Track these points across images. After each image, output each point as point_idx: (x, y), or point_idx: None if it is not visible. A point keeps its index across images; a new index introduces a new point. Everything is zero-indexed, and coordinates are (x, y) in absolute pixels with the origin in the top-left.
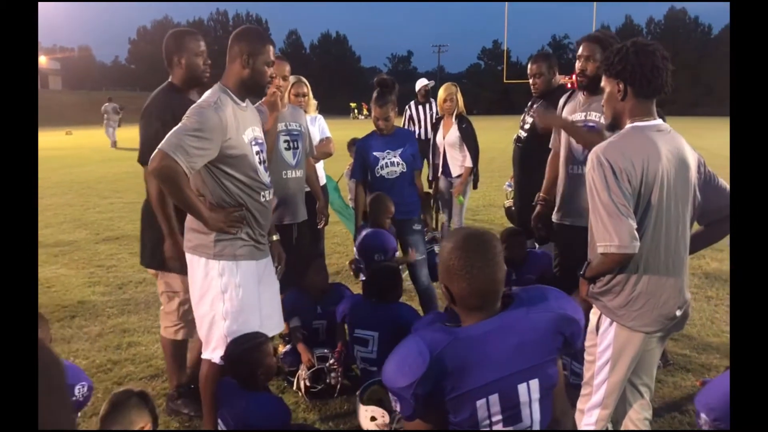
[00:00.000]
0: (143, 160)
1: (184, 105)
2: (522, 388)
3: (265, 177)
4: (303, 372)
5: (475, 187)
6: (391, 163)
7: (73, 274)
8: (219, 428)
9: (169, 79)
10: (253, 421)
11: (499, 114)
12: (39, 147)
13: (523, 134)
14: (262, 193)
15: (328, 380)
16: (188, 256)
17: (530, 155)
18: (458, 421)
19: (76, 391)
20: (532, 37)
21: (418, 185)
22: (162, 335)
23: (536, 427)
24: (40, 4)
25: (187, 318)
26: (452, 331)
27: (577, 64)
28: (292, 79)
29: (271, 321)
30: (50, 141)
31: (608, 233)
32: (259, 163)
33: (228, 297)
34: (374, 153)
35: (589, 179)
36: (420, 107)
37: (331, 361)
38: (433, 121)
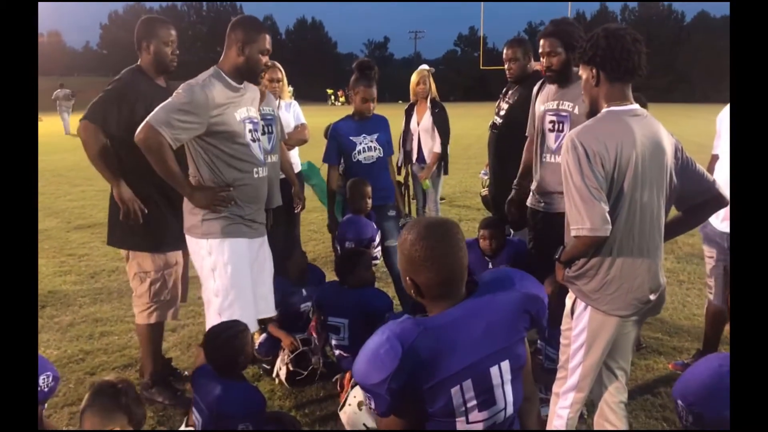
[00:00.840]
0: (87, 116)
1: (153, 91)
2: (494, 370)
3: (259, 154)
4: (285, 356)
5: (446, 172)
6: (368, 148)
7: (43, 263)
8: (193, 416)
9: (138, 63)
10: (228, 408)
11: (476, 101)
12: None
13: (499, 121)
14: (255, 169)
15: (311, 365)
16: (186, 238)
17: (505, 142)
18: (434, 411)
19: (41, 382)
20: (509, 23)
21: (390, 171)
22: (136, 323)
23: (510, 408)
24: None
25: (158, 299)
26: (421, 321)
27: (542, 61)
28: None
29: (265, 302)
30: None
31: (581, 216)
32: (253, 140)
33: (217, 274)
34: (350, 138)
35: (563, 163)
36: None
37: (315, 342)
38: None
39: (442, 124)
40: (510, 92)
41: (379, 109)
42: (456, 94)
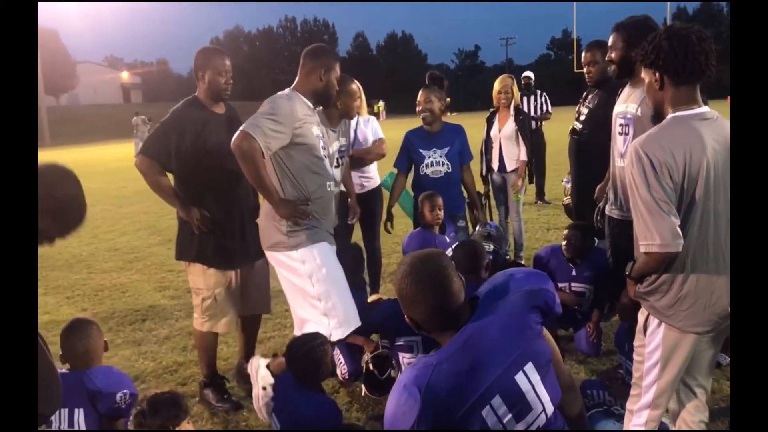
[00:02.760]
0: (143, 150)
1: (204, 119)
2: (520, 377)
3: (330, 169)
4: (366, 357)
5: (531, 181)
6: (435, 163)
7: (145, 279)
8: (273, 426)
9: (195, 93)
10: (304, 420)
11: (572, 105)
12: (121, 158)
13: (579, 126)
14: (328, 183)
15: (390, 369)
16: (269, 255)
17: (586, 148)
18: None
19: (118, 398)
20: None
21: (467, 179)
22: (193, 327)
23: (549, 407)
24: (121, 21)
25: (208, 312)
26: (431, 357)
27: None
28: None
29: (355, 311)
30: (131, 153)
31: (649, 232)
32: (325, 156)
33: (315, 279)
34: (420, 150)
35: (628, 175)
36: (524, 98)
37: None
38: (543, 111)
39: (525, 132)
40: (590, 96)
41: (471, 118)
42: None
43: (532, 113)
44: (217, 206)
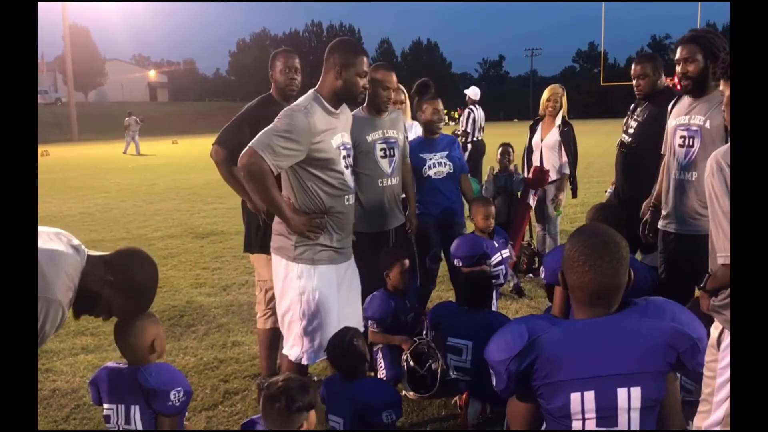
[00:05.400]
0: (218, 140)
1: (274, 113)
2: (622, 392)
3: (350, 181)
4: (406, 355)
5: (574, 195)
6: (438, 164)
7: (181, 275)
8: (330, 426)
9: (270, 91)
10: (367, 400)
11: (596, 118)
12: (149, 155)
13: (627, 139)
14: (346, 197)
15: (430, 362)
16: (273, 257)
17: (634, 161)
18: (550, 408)
19: (172, 396)
20: (630, 37)
21: (466, 189)
22: (257, 327)
23: None
24: (148, 21)
25: (271, 305)
26: (557, 321)
27: (677, 68)
28: None
29: (349, 321)
30: (158, 150)
31: (728, 243)
32: (345, 167)
33: (305, 299)
34: (420, 154)
35: (708, 186)
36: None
37: (432, 345)
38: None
39: (569, 144)
40: (639, 109)
41: (493, 128)
42: (575, 111)
43: (469, 128)
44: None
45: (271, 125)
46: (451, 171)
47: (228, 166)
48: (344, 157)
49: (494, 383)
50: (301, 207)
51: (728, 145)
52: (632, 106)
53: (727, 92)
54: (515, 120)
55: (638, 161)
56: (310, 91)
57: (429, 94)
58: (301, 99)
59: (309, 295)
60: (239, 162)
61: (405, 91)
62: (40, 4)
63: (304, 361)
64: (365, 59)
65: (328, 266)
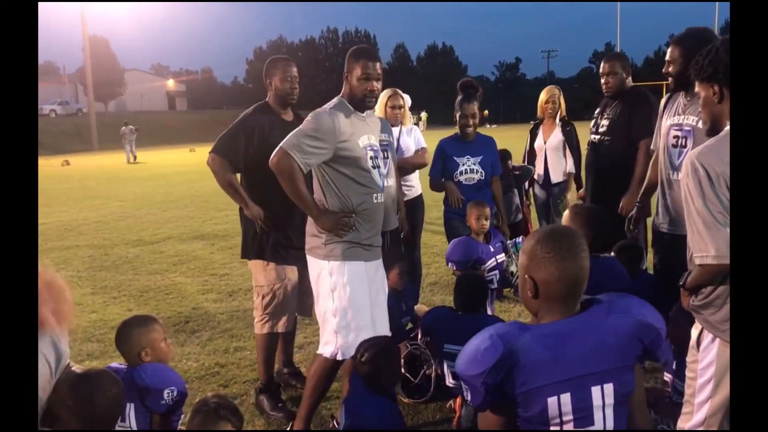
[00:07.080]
0: (214, 149)
1: (271, 123)
2: (596, 390)
3: (379, 180)
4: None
5: (579, 189)
6: (470, 170)
7: (189, 282)
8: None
9: (266, 99)
10: (365, 422)
11: None
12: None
13: (599, 137)
14: (375, 195)
15: (424, 369)
16: (308, 258)
17: (606, 160)
18: (528, 416)
19: (165, 395)
20: (647, 37)
21: (495, 190)
22: (255, 332)
23: None
24: (167, 31)
25: (268, 311)
26: (527, 327)
27: (663, 69)
28: (388, 91)
29: (381, 325)
30: (175, 158)
31: (704, 243)
32: (373, 167)
33: (337, 295)
34: (454, 158)
35: (684, 186)
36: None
37: (425, 351)
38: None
39: (573, 143)
40: (609, 108)
41: (510, 131)
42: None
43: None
44: (280, 205)
45: (298, 127)
46: (482, 178)
47: (224, 174)
48: (371, 158)
49: (469, 398)
50: (331, 207)
51: (703, 145)
52: (601, 106)
53: (702, 93)
54: (532, 122)
55: (612, 159)
56: (336, 97)
57: (465, 96)
58: (328, 103)
59: (340, 290)
60: (270, 161)
61: (404, 95)
62: (59, 15)
63: (339, 357)
64: (368, 63)
65: (358, 263)
